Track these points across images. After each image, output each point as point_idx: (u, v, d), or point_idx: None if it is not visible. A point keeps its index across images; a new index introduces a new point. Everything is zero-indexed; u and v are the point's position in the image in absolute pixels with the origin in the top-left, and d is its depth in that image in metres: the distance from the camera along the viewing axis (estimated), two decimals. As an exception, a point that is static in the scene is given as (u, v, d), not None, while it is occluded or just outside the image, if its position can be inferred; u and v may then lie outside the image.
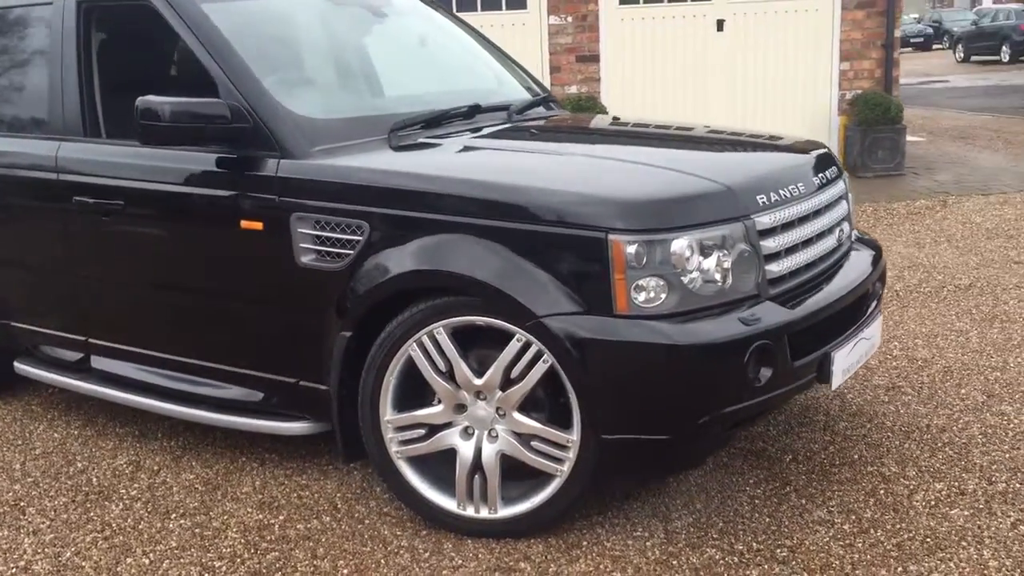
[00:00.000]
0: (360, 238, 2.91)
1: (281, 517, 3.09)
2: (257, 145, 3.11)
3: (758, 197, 2.80)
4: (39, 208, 3.70)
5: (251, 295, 3.20)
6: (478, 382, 2.82)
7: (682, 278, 2.60)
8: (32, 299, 3.86)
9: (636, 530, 2.91)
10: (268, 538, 2.97)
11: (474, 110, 3.57)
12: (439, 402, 2.91)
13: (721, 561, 2.73)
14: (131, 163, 3.39)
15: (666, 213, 2.63)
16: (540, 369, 2.72)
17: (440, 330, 2.81)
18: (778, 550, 2.78)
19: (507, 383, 2.80)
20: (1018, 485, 3.07)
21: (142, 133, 3.08)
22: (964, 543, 2.76)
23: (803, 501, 3.03)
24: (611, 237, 2.58)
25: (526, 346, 2.72)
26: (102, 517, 3.15)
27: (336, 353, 3.00)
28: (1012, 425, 3.50)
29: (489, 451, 2.87)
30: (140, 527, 3.08)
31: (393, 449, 2.96)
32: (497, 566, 2.76)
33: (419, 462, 2.98)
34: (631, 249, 2.57)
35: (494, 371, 2.79)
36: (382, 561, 2.81)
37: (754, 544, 2.81)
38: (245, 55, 3.24)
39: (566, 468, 2.79)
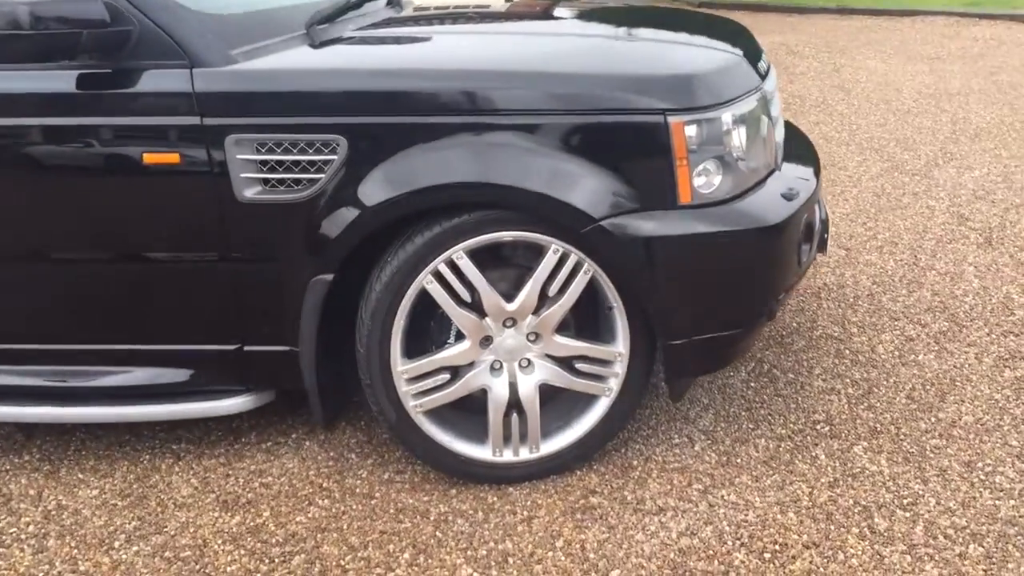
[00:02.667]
0: (334, 157, 2.36)
1: (266, 513, 2.51)
2: (151, 54, 2.38)
3: (759, 65, 2.66)
4: None
5: (168, 250, 2.49)
6: (510, 307, 2.43)
7: (732, 158, 2.39)
8: None
9: (674, 440, 2.72)
10: (272, 540, 2.40)
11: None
12: (460, 338, 2.48)
13: (779, 447, 2.64)
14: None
15: (714, 87, 2.39)
16: (583, 282, 2.41)
17: (460, 254, 2.37)
18: (817, 425, 2.73)
19: (540, 304, 2.45)
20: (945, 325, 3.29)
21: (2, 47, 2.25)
22: (958, 382, 2.90)
23: (793, 376, 3.02)
24: (670, 119, 2.29)
25: (563, 258, 2.38)
26: (14, 568, 2.35)
27: (311, 302, 2.44)
28: (900, 275, 3.74)
29: (527, 383, 2.51)
30: (80, 568, 2.33)
31: (411, 404, 2.49)
32: (571, 508, 2.45)
33: (435, 414, 2.54)
34: (691, 130, 2.31)
35: (530, 291, 2.42)
36: (438, 535, 2.38)
37: (793, 425, 2.74)
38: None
39: (615, 385, 2.52)
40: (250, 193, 2.39)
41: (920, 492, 2.40)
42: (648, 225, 2.31)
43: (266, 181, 2.39)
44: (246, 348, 2.58)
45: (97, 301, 2.56)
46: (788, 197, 2.51)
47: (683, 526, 2.34)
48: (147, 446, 2.86)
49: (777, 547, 2.23)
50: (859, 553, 2.19)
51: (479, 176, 2.28)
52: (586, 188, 2.29)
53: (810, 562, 2.17)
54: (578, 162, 2.30)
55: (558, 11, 3.29)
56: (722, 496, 2.44)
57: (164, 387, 2.63)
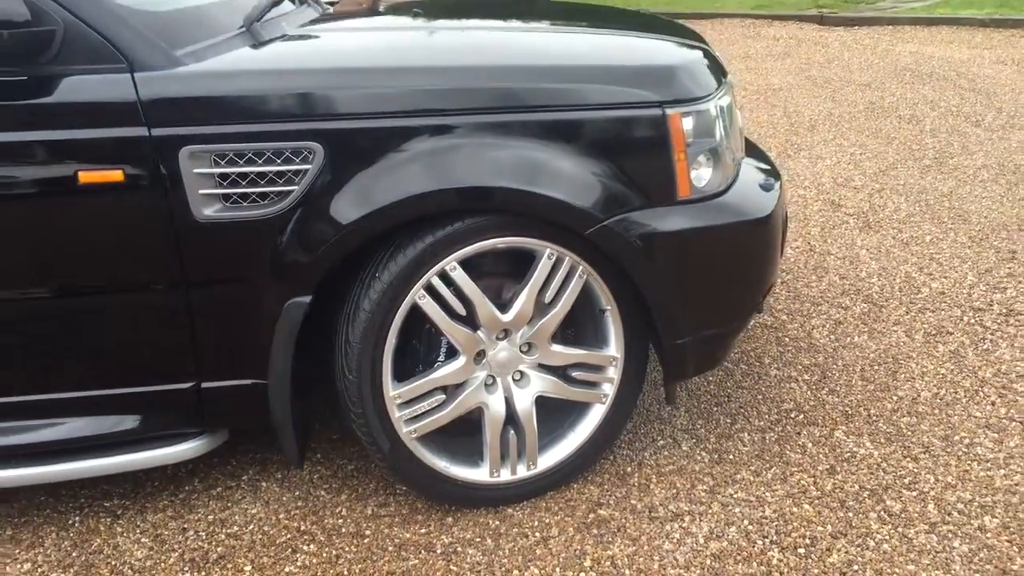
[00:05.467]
0: (308, 166, 2.12)
1: (247, 568, 2.23)
2: (80, 57, 2.06)
3: (718, 56, 2.65)
4: None
5: (109, 280, 2.16)
6: (506, 319, 2.29)
7: (721, 149, 2.36)
8: None
9: (658, 442, 2.66)
10: (267, 599, 2.13)
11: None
12: (453, 355, 2.31)
13: (764, 438, 2.63)
14: None
15: (701, 78, 2.34)
16: (578, 286, 2.30)
17: (454, 264, 2.20)
18: (791, 414, 2.75)
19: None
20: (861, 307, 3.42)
21: None
22: (901, 360, 3.01)
23: (746, 368, 3.04)
24: (668, 111, 2.22)
25: (557, 263, 2.26)
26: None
27: (285, 327, 2.19)
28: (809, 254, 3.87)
29: (523, 396, 2.37)
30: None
31: (404, 430, 2.29)
32: (583, 523, 2.32)
33: (428, 439, 2.35)
34: (688, 122, 2.25)
35: (525, 300, 2.28)
36: (452, 568, 2.20)
37: (768, 416, 2.74)
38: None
39: (610, 391, 2.42)
40: (209, 211, 2.11)
41: (915, 471, 2.44)
42: (652, 222, 2.22)
43: (227, 197, 2.12)
44: (204, 385, 2.29)
45: (24, 345, 2.19)
46: (766, 188, 2.50)
47: (706, 530, 2.27)
48: (72, 506, 2.50)
49: (807, 541, 2.20)
50: (888, 538, 2.20)
51: (480, 180, 2.12)
52: (589, 188, 2.17)
53: (845, 552, 2.16)
54: (577, 160, 2.18)
55: (524, 8, 3.15)
56: (731, 495, 2.39)
57: (107, 437, 2.29)
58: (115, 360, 2.22)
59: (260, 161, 2.10)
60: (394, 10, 3.26)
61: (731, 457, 2.55)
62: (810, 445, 2.58)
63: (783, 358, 3.07)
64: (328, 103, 2.11)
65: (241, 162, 2.09)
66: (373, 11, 3.20)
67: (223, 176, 2.10)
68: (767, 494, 2.38)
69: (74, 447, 2.28)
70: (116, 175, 2.08)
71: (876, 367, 2.98)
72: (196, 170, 2.08)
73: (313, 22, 2.73)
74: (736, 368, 3.02)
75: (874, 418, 2.69)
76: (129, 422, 2.29)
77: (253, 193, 2.12)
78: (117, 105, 2.04)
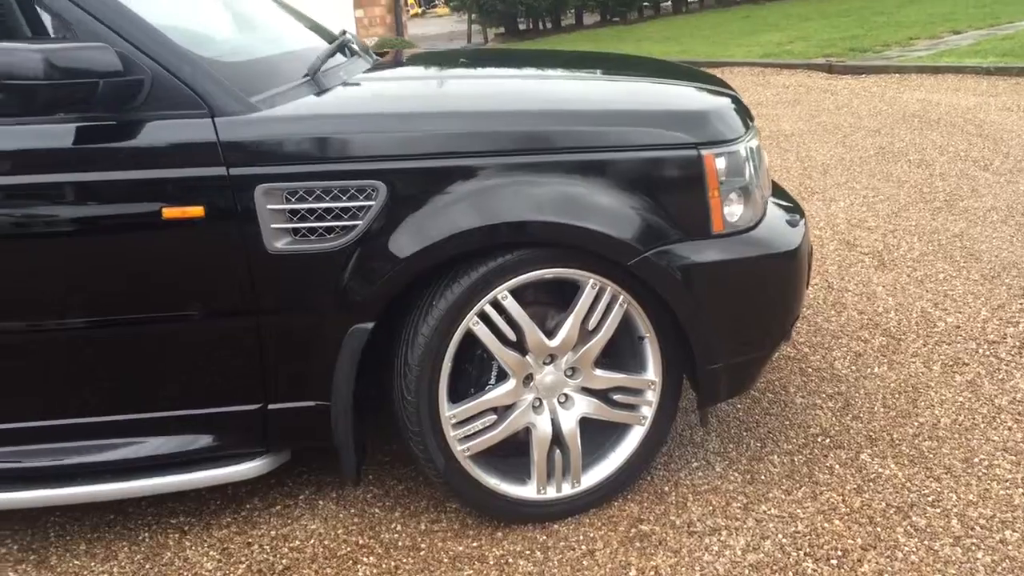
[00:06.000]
0: (372, 203, 2.31)
1: (312, 580, 2.38)
2: (166, 104, 2.26)
3: (745, 102, 2.84)
4: None
5: (188, 308, 2.34)
6: (553, 344, 2.45)
7: (750, 188, 2.54)
8: None
9: (692, 464, 2.80)
10: (332, 607, 2.27)
11: (347, 48, 3.00)
12: (504, 378, 2.47)
13: (793, 460, 2.77)
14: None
15: (732, 122, 2.53)
16: (619, 315, 2.47)
17: (505, 293, 2.38)
18: (818, 438, 2.90)
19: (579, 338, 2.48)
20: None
21: (8, 99, 2.08)
22: (920, 389, 3.15)
23: (773, 396, 3.19)
24: (703, 152, 2.41)
25: (600, 292, 2.44)
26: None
27: (349, 351, 2.36)
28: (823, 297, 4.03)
29: (568, 418, 2.53)
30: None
31: (458, 448, 2.44)
32: (626, 537, 2.47)
33: (480, 457, 2.50)
34: (721, 162, 2.43)
35: (570, 327, 2.45)
36: (506, 578, 2.34)
37: (795, 440, 2.89)
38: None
39: (648, 414, 2.58)
40: (280, 244, 2.29)
41: (938, 490, 2.59)
42: (689, 254, 2.39)
43: (296, 231, 2.30)
44: (270, 406, 2.45)
45: (106, 369, 2.36)
46: (792, 224, 2.68)
47: (743, 543, 2.41)
48: (140, 523, 2.65)
49: (839, 553, 2.34)
50: (915, 550, 2.34)
51: (532, 215, 2.30)
52: (632, 222, 2.35)
53: (876, 564, 2.30)
54: (619, 197, 2.36)
55: (557, 56, 3.36)
56: (764, 511, 2.54)
57: (180, 455, 2.45)
58: (192, 382, 2.39)
59: (328, 198, 2.28)
60: (421, 60, 3.46)
61: (762, 477, 2.70)
62: (837, 467, 2.73)
63: (807, 387, 3.22)
64: (390, 145, 2.30)
65: (310, 199, 2.28)
66: (397, 62, 3.39)
67: (293, 212, 2.28)
68: (799, 511, 2.53)
69: (148, 465, 2.44)
70: (197, 211, 2.26)
71: (897, 395, 3.12)
72: (269, 206, 2.27)
73: (368, 71, 2.93)
74: (763, 396, 3.18)
75: (897, 442, 2.83)
76: (203, 441, 2.45)
77: (321, 227, 2.30)
78: (199, 147, 2.24)
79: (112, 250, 2.27)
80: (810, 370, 3.35)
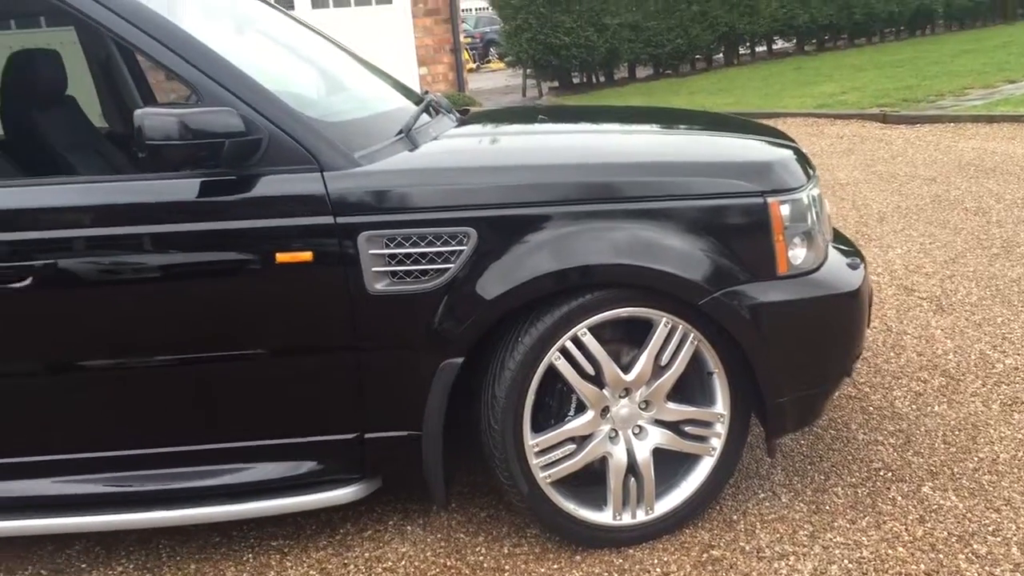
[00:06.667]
0: (463, 248, 2.53)
1: (405, 597, 2.56)
2: (281, 160, 2.52)
3: (806, 153, 3.02)
4: None
5: (295, 344, 2.57)
6: (628, 378, 2.64)
7: (812, 232, 2.71)
8: None
9: (759, 495, 2.95)
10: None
11: (434, 106, 3.25)
12: (582, 410, 2.66)
13: (857, 492, 2.90)
14: (69, 205, 2.51)
15: (795, 172, 2.72)
16: (689, 351, 2.64)
17: (584, 330, 2.57)
18: (880, 472, 3.03)
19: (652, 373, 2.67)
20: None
21: (149, 158, 2.34)
22: (980, 427, 3.26)
23: (835, 433, 3.32)
24: (769, 200, 2.60)
25: (672, 330, 2.62)
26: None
27: (440, 384, 2.57)
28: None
29: (642, 448, 2.70)
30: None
31: (540, 475, 2.63)
32: (698, 562, 2.62)
33: (560, 484, 2.68)
34: (785, 209, 2.62)
35: (645, 363, 2.63)
36: (587, 597, 2.50)
37: (859, 474, 3.02)
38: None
39: (718, 445, 2.74)
40: (379, 286, 2.52)
41: (998, 520, 2.70)
42: (756, 294, 2.57)
43: (394, 273, 2.52)
44: (367, 435, 2.66)
45: (223, 400, 2.60)
46: (852, 266, 2.85)
47: (811, 567, 2.55)
48: (243, 545, 2.86)
49: (903, 577, 2.47)
50: (975, 575, 2.46)
51: (610, 258, 2.50)
52: (703, 264, 2.54)
53: (938, 586, 2.42)
54: (691, 242, 2.55)
55: (630, 111, 3.60)
56: (830, 539, 2.67)
57: (285, 480, 2.66)
58: (297, 412, 2.61)
59: (423, 243, 2.51)
60: (501, 116, 3.71)
61: (827, 508, 2.84)
62: (899, 498, 2.86)
63: (869, 424, 3.35)
64: (480, 195, 2.53)
65: (407, 244, 2.51)
66: (479, 119, 3.64)
67: (392, 256, 2.51)
68: (863, 539, 2.66)
69: (251, 490, 2.66)
70: (307, 256, 2.50)
71: (957, 432, 3.24)
72: (371, 251, 2.50)
73: (454, 128, 3.18)
74: (826, 433, 3.32)
75: (957, 476, 2.96)
76: (306, 467, 2.66)
77: (416, 270, 2.52)
78: (309, 198, 2.48)
79: (231, 291, 2.52)
80: (871, 408, 3.48)
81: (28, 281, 2.44)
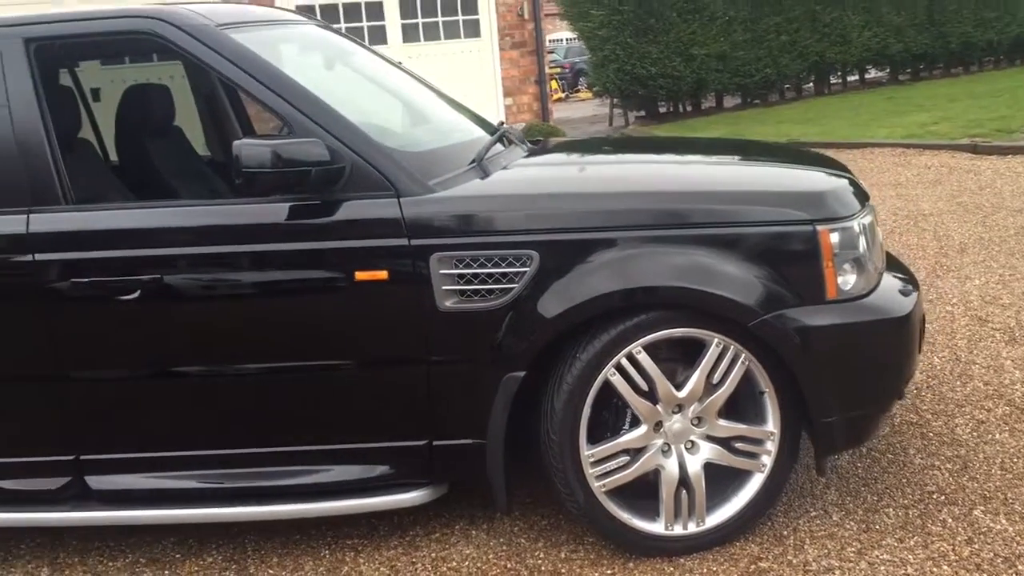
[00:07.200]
0: (527, 269, 2.72)
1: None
2: (361, 186, 2.75)
3: (861, 185, 3.14)
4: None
5: (372, 356, 2.81)
6: (681, 395, 2.78)
7: (862, 260, 2.82)
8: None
9: (811, 512, 3.05)
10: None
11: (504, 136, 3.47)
12: (636, 424, 2.82)
13: (908, 514, 2.98)
14: (173, 226, 2.80)
15: (847, 201, 2.84)
16: (740, 371, 2.77)
17: (639, 348, 2.73)
18: (933, 495, 3.10)
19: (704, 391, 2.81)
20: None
21: (244, 184, 2.60)
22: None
23: (892, 457, 3.39)
24: (818, 228, 2.73)
25: (724, 350, 2.76)
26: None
27: (503, 396, 2.76)
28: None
29: (694, 462, 2.84)
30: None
31: (595, 484, 2.79)
32: (745, 571, 2.74)
33: (615, 494, 2.84)
34: (835, 237, 2.74)
35: (696, 381, 2.78)
36: (637, 601, 2.65)
37: (911, 496, 3.09)
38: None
39: (768, 462, 2.86)
40: (448, 303, 2.73)
41: (1047, 543, 2.76)
42: (804, 318, 2.70)
43: (462, 292, 2.73)
44: (435, 442, 2.86)
45: (306, 406, 2.84)
46: (904, 293, 2.95)
47: (854, 581, 2.65)
48: (320, 542, 3.08)
49: (945, 594, 2.55)
50: (1018, 594, 2.53)
51: (665, 281, 2.67)
52: (754, 288, 2.68)
53: (979, 604, 2.50)
54: (743, 266, 2.70)
55: (690, 142, 3.77)
56: (877, 556, 2.77)
57: (360, 482, 2.88)
58: (372, 419, 2.84)
59: (490, 264, 2.71)
60: (569, 147, 3.91)
61: (877, 527, 2.92)
62: (950, 520, 2.93)
63: (927, 449, 3.42)
64: (543, 219, 2.73)
65: (475, 265, 2.71)
66: (548, 149, 3.83)
67: (461, 276, 2.72)
68: (910, 557, 2.74)
69: (330, 490, 2.89)
70: (383, 275, 2.73)
71: (1015, 459, 3.29)
72: (442, 271, 2.71)
73: (524, 157, 3.39)
74: (882, 456, 3.39)
75: (1011, 501, 3.01)
76: (379, 470, 2.88)
77: (483, 289, 2.72)
78: (387, 222, 2.72)
79: (315, 306, 2.78)
80: (931, 434, 3.54)
81: (137, 294, 2.72)
